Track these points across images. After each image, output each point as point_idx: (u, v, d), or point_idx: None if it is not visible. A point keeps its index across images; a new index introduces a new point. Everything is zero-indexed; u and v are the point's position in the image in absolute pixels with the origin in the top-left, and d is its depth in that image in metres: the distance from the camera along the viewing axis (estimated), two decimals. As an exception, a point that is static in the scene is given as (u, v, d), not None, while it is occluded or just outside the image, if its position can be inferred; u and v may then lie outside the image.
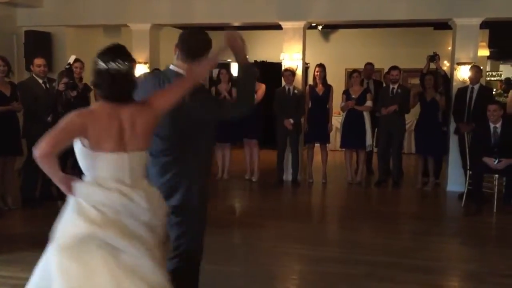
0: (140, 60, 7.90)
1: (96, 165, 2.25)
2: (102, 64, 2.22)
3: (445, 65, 10.97)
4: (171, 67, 2.76)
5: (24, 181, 6.24)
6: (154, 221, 2.32)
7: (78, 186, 2.28)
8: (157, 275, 2.23)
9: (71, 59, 6.04)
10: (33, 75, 6.17)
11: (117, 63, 2.21)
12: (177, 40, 2.77)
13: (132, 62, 2.29)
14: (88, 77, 6.64)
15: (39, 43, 8.12)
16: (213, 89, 7.96)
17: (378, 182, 7.70)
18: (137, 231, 2.25)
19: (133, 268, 2.17)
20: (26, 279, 3.89)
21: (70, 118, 2.21)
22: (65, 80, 5.64)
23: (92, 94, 6.82)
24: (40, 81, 6.12)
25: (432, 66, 7.73)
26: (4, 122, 5.66)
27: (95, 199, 2.23)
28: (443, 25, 8.59)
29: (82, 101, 5.96)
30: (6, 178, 5.98)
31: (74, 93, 5.68)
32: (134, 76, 2.35)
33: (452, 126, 7.26)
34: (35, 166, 6.87)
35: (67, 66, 5.96)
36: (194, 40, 2.73)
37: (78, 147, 2.25)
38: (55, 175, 2.26)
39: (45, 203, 6.15)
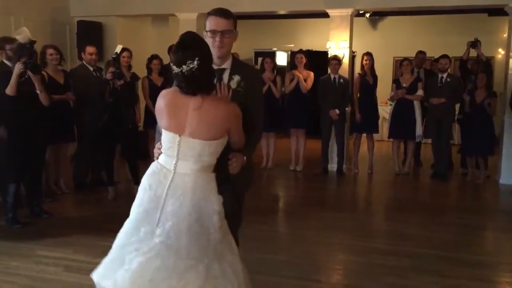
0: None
1: None
2: (175, 68, 2.30)
3: (500, 53, 10.55)
4: None
5: (76, 167, 6.48)
6: None
7: None
8: None
9: (118, 49, 6.17)
10: (84, 62, 6.36)
11: (187, 64, 2.27)
12: None
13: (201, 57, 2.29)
14: (136, 66, 6.83)
15: (91, 33, 8.35)
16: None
17: (433, 174, 7.48)
18: None
19: None
20: (78, 260, 4.06)
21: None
22: (112, 69, 5.77)
23: (139, 83, 6.97)
24: (91, 68, 6.30)
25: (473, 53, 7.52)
26: (57, 109, 5.86)
27: None
28: (498, 11, 8.23)
29: (129, 90, 6.08)
30: (59, 164, 6.21)
31: (121, 82, 5.80)
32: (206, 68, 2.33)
33: (507, 117, 6.97)
34: (87, 153, 7.09)
35: (114, 56, 6.10)
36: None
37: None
38: None
39: (96, 188, 6.38)
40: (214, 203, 2.37)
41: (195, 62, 2.26)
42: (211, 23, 2.55)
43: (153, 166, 2.44)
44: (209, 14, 2.59)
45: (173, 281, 2.23)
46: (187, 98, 2.33)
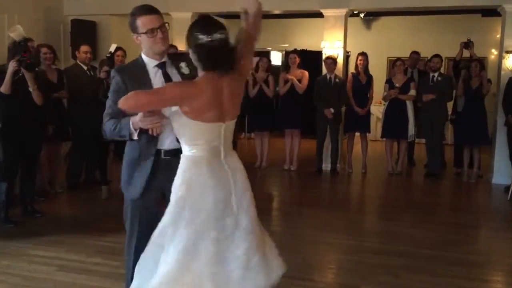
0: (181, 49, 7.97)
1: None
2: (203, 37, 2.19)
3: (493, 53, 10.60)
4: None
5: (70, 166, 6.45)
6: None
7: None
8: None
9: (112, 48, 6.16)
10: (78, 61, 6.34)
11: (219, 33, 2.21)
12: None
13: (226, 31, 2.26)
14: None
15: (85, 32, 8.33)
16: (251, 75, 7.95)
17: (427, 174, 7.50)
18: None
19: None
20: (71, 259, 4.05)
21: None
22: (106, 68, 5.76)
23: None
24: (85, 68, 6.28)
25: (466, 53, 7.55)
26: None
27: None
28: (491, 12, 8.27)
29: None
30: (53, 163, 6.18)
31: (115, 81, 5.80)
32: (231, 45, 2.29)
33: (500, 117, 7.00)
34: (81, 152, 7.05)
35: (108, 55, 6.09)
36: None
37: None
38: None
39: (89, 187, 6.36)
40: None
41: (225, 34, 2.23)
42: (144, 22, 2.47)
43: (202, 164, 2.29)
44: (136, 15, 2.51)
45: (272, 249, 2.61)
46: (219, 81, 2.26)
